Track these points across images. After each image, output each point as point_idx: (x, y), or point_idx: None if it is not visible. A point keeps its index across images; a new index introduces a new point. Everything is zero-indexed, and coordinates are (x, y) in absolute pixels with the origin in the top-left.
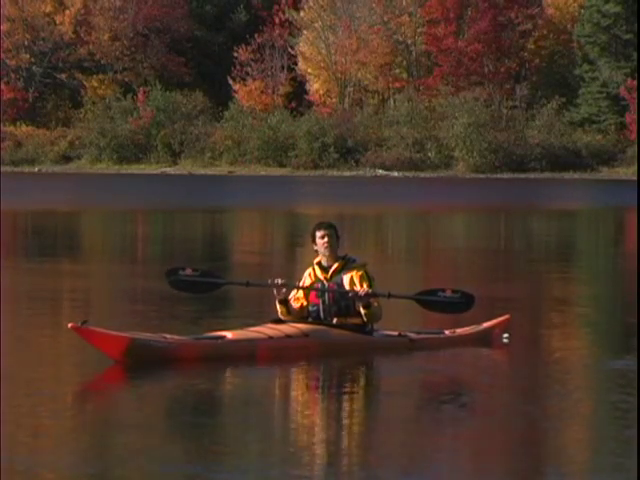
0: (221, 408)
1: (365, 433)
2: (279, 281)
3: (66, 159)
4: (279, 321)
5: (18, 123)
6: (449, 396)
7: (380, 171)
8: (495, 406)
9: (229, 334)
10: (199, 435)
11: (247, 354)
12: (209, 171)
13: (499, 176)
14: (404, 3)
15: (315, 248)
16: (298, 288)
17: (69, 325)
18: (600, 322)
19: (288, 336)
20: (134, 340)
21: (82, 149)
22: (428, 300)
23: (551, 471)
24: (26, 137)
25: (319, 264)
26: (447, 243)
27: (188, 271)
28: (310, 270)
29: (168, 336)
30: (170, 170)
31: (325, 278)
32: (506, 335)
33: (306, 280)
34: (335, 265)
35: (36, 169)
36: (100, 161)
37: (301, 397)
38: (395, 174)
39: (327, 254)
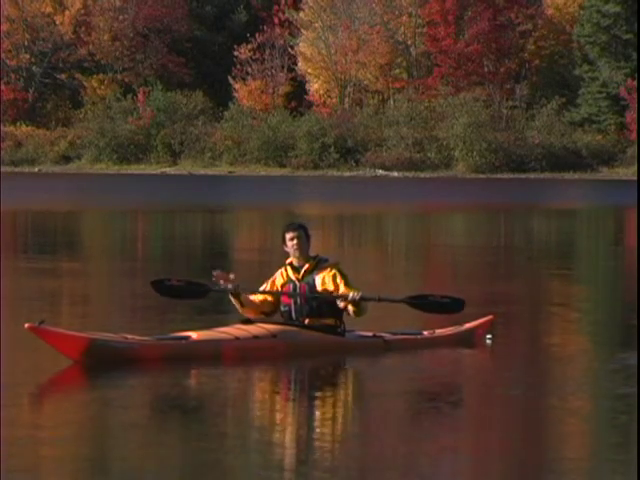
0: (189, 413)
1: (349, 437)
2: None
3: (66, 159)
4: (248, 321)
5: (18, 123)
6: (444, 395)
7: (380, 171)
8: (493, 404)
9: (194, 334)
10: (170, 445)
11: (212, 355)
12: (209, 171)
13: (499, 176)
14: (404, 3)
15: (286, 249)
16: (278, 294)
17: (26, 325)
18: (599, 320)
19: (255, 337)
20: (93, 340)
21: (82, 149)
22: (420, 303)
23: (550, 469)
24: (26, 137)
25: (291, 264)
26: (447, 243)
27: (173, 281)
28: (282, 270)
29: (129, 336)
30: (170, 170)
31: (297, 278)
32: (489, 336)
33: (277, 280)
34: (306, 266)
35: (36, 169)
36: (100, 161)
37: (271, 400)
38: (395, 174)
39: (297, 255)
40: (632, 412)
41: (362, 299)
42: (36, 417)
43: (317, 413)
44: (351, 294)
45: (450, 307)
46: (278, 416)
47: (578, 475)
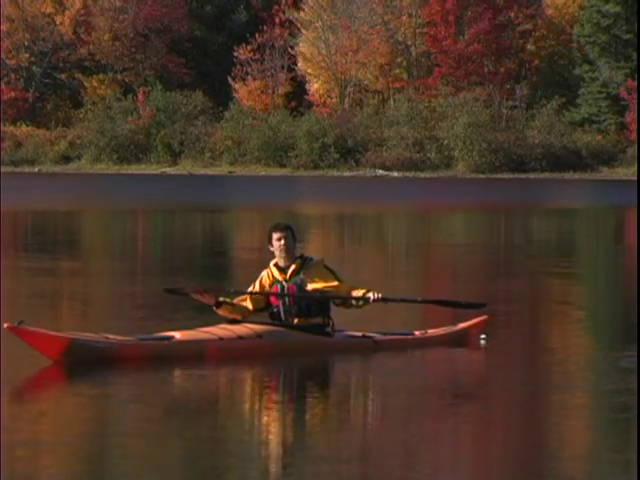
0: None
1: (345, 437)
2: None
3: (66, 159)
4: (234, 321)
5: (18, 123)
6: (443, 395)
7: (380, 171)
8: (493, 403)
9: (178, 334)
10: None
11: (195, 355)
12: (209, 171)
13: (499, 176)
14: (404, 3)
15: (271, 250)
16: (268, 294)
17: (4, 325)
18: (599, 319)
19: (240, 337)
20: (73, 340)
21: (82, 149)
22: (440, 301)
23: (550, 467)
24: (26, 137)
25: (276, 265)
26: (447, 242)
27: (188, 289)
28: (267, 271)
29: (111, 336)
30: (170, 170)
31: (284, 279)
32: (483, 336)
33: (264, 280)
34: (293, 266)
35: (36, 169)
36: (100, 161)
37: (259, 401)
38: (395, 174)
39: (284, 255)
40: (632, 411)
41: (383, 300)
42: (23, 416)
43: (308, 414)
44: (371, 296)
45: (470, 305)
46: (270, 416)
47: (578, 474)
